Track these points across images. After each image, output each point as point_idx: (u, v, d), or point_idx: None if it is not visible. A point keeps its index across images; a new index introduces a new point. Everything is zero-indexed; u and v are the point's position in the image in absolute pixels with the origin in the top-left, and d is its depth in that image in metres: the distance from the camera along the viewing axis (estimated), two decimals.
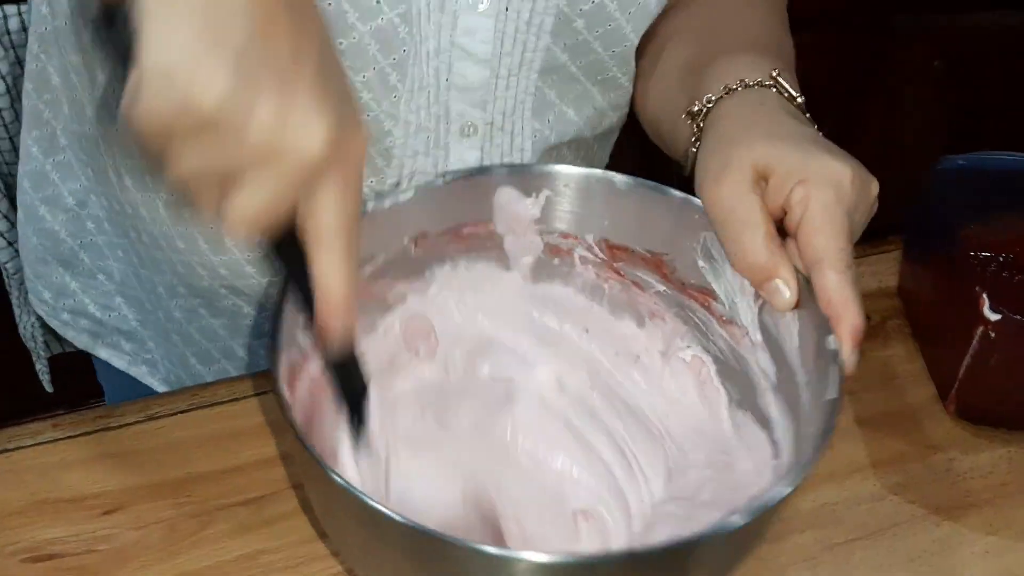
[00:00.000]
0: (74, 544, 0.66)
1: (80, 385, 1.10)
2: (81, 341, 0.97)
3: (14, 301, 1.03)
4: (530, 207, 0.69)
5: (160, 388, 0.98)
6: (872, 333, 0.85)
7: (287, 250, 0.53)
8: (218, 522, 0.68)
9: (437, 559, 0.51)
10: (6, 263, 0.99)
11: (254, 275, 0.82)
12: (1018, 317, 0.71)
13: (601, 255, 0.71)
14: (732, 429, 0.68)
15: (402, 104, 0.73)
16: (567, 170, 0.69)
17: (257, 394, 0.75)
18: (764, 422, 0.66)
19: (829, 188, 0.59)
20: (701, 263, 0.67)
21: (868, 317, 0.85)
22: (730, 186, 0.62)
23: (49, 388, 1.09)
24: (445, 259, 0.70)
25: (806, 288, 0.61)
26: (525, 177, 0.69)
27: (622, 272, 0.71)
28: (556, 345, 0.73)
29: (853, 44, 1.74)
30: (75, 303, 0.95)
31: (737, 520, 0.51)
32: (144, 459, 0.71)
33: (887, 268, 0.90)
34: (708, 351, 0.70)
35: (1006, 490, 0.75)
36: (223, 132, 0.47)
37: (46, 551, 0.65)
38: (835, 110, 1.82)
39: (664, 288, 0.70)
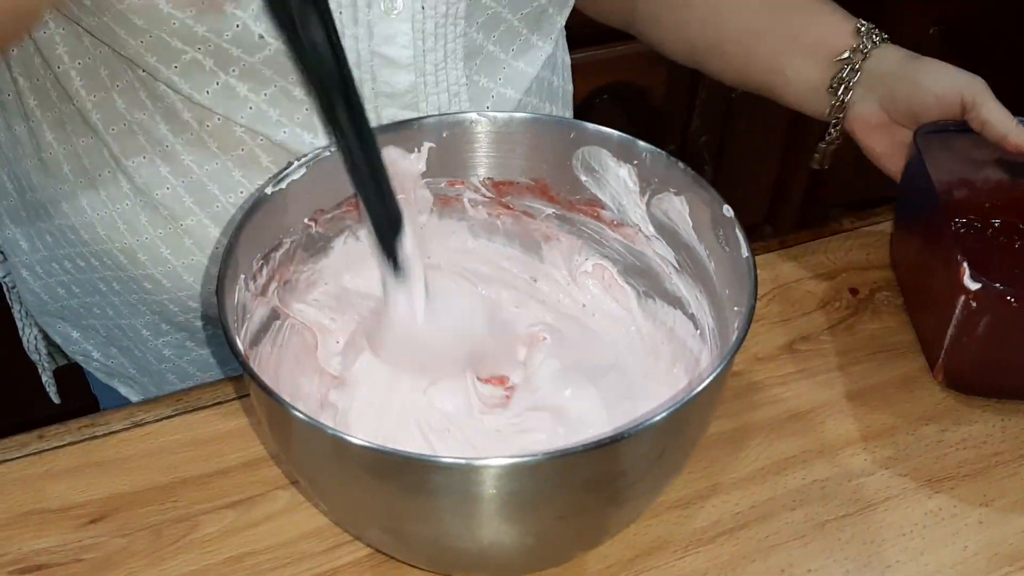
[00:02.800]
0: (60, 554, 0.66)
1: (87, 395, 1.11)
2: (100, 377, 0.99)
3: (16, 314, 1.03)
4: (415, 162, 0.71)
5: None
6: (862, 306, 0.84)
7: None
8: (204, 526, 0.68)
9: (399, 475, 0.54)
10: (4, 277, 1.00)
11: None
12: (998, 286, 0.70)
13: (489, 193, 0.73)
14: (647, 320, 0.74)
15: (316, 116, 0.73)
16: (444, 119, 0.70)
17: (240, 397, 0.76)
18: (675, 302, 0.71)
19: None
20: (583, 177, 0.71)
21: (856, 290, 0.85)
22: (949, 81, 0.79)
23: (56, 399, 1.09)
24: (344, 230, 0.72)
25: (688, 176, 0.66)
26: (405, 134, 0.70)
27: (511, 205, 0.74)
28: (474, 285, 0.76)
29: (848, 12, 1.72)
30: (80, 349, 0.97)
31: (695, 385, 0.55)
32: (130, 466, 0.71)
33: (876, 240, 0.89)
34: (607, 256, 0.75)
35: (1000, 459, 0.74)
36: None
37: (33, 562, 0.66)
38: None
39: (553, 210, 0.74)
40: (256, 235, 0.63)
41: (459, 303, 0.70)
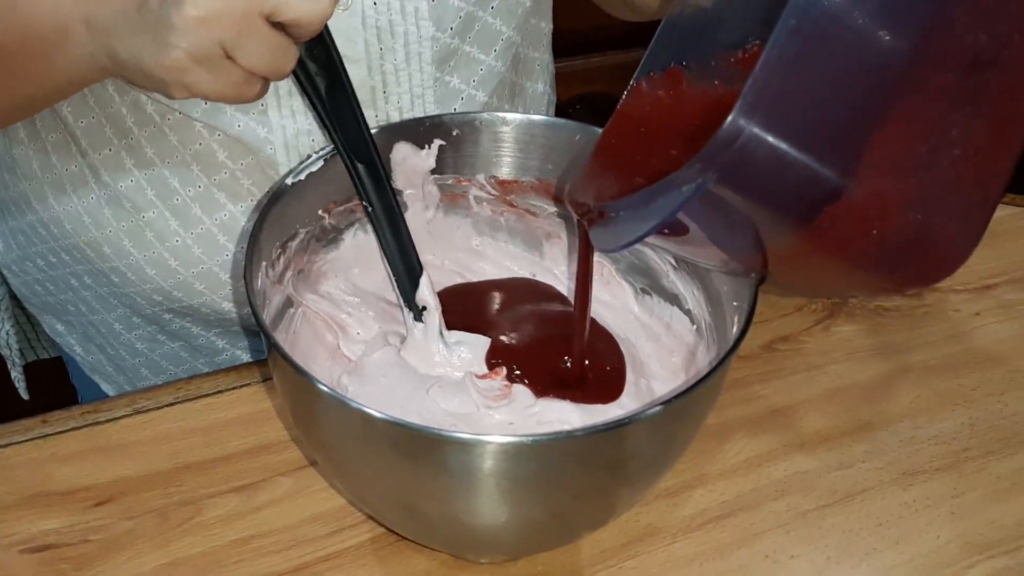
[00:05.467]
0: (68, 535, 0.67)
1: (55, 392, 1.11)
2: (85, 371, 1.00)
3: None
4: (425, 159, 0.73)
5: None
6: (836, 309, 0.88)
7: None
8: (209, 510, 0.70)
9: (416, 447, 0.56)
10: None
11: (182, 297, 0.85)
12: None
13: (494, 191, 0.76)
14: (644, 313, 0.76)
15: (271, 111, 0.75)
16: (455, 118, 0.73)
17: (240, 386, 0.77)
18: (672, 299, 0.74)
19: None
20: None
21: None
22: None
23: (25, 395, 1.09)
24: (354, 223, 0.74)
25: None
26: (417, 130, 0.72)
27: (515, 203, 0.76)
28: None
29: None
30: (66, 342, 0.97)
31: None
32: (133, 451, 0.72)
33: None
34: (606, 254, 0.76)
35: (969, 455, 0.77)
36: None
37: (43, 542, 0.67)
38: None
39: (556, 209, 0.76)
40: (276, 224, 0.65)
41: (471, 338, 0.74)
